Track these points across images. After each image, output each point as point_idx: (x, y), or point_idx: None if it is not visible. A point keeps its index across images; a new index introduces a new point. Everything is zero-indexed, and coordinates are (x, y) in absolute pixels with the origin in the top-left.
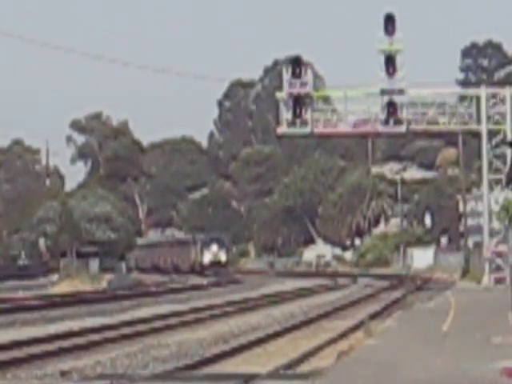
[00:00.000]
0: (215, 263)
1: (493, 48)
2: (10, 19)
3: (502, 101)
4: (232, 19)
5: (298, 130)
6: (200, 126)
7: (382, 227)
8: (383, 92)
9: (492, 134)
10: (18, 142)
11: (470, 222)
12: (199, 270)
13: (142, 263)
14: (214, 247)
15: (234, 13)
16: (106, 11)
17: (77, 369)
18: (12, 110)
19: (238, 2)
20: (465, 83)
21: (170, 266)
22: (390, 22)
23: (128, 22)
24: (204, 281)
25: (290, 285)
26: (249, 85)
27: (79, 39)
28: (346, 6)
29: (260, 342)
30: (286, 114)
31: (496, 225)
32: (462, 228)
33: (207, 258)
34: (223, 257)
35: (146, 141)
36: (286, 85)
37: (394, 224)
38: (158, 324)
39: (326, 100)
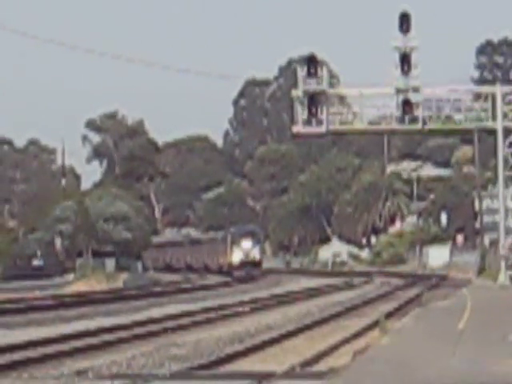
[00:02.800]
0: (247, 263)
1: (508, 46)
2: (27, 19)
3: None
4: (246, 18)
5: (313, 128)
6: (215, 125)
7: (397, 225)
8: (398, 90)
9: (507, 131)
10: (33, 142)
11: (486, 219)
12: (228, 270)
13: (175, 263)
14: (247, 243)
15: (248, 12)
16: (124, 10)
17: (93, 368)
18: (28, 110)
19: (252, 1)
20: (480, 81)
21: (201, 266)
22: (404, 20)
23: (145, 22)
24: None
25: (305, 283)
26: (264, 83)
27: (96, 39)
28: (361, 4)
29: (276, 340)
30: (302, 113)
31: None
32: (477, 226)
33: (237, 256)
34: (257, 255)
35: (161, 140)
36: (300, 83)
37: (410, 222)
38: (172, 323)
39: (342, 98)
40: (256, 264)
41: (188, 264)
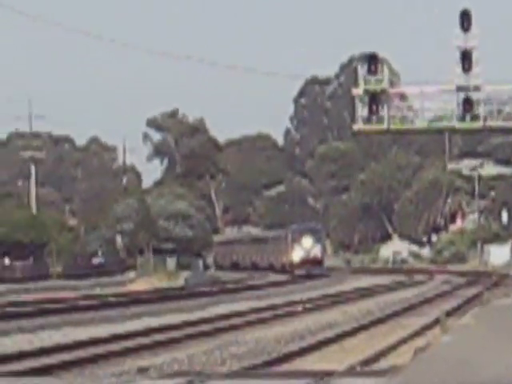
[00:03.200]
0: (308, 261)
1: None
2: (90, 19)
3: None
4: (307, 16)
5: (374, 126)
6: (276, 123)
7: (458, 223)
8: (459, 88)
9: None
10: (94, 140)
11: None
12: (289, 269)
13: (241, 261)
14: (307, 241)
15: (309, 10)
16: (181, 10)
17: (154, 366)
18: (89, 109)
19: (313, 1)
20: None
21: (266, 265)
22: (465, 17)
23: (208, 22)
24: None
25: (366, 281)
26: (324, 82)
27: (154, 38)
28: (421, 1)
29: (337, 338)
30: (362, 111)
31: None
32: None
33: (298, 254)
34: (318, 253)
35: (222, 138)
36: (361, 81)
37: (471, 220)
38: (235, 321)
39: (402, 96)
40: (318, 262)
41: (253, 262)
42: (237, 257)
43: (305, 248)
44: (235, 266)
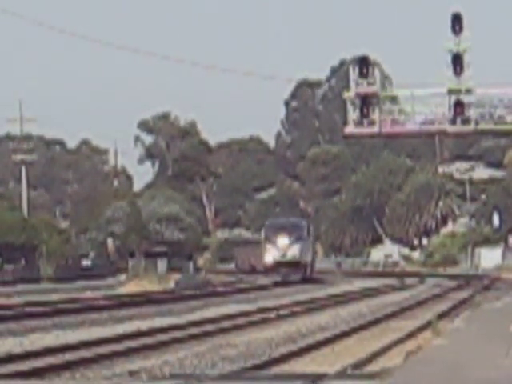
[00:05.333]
0: (283, 263)
1: None
2: (73, 19)
3: None
4: (298, 20)
5: (365, 129)
6: (267, 126)
7: (449, 227)
8: (450, 91)
9: None
10: (86, 143)
11: None
12: (263, 271)
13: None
14: (283, 239)
15: (299, 13)
16: (172, 11)
17: (145, 369)
18: (80, 111)
19: (303, 3)
20: None
21: (248, 267)
22: (457, 21)
23: (194, 22)
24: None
25: (357, 284)
26: (316, 85)
27: (145, 39)
28: (413, 5)
29: (328, 341)
30: (353, 114)
31: None
32: None
33: (270, 256)
34: (297, 253)
35: (213, 141)
36: (353, 84)
37: (462, 223)
38: (225, 324)
39: (394, 99)
40: (297, 265)
41: (252, 264)
42: (254, 260)
43: (280, 247)
44: (253, 270)
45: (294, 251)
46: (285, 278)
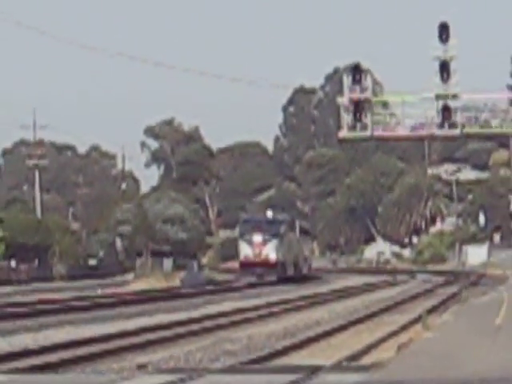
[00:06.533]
0: (257, 263)
1: None
2: (88, 31)
3: None
4: (293, 30)
5: (358, 133)
6: (266, 132)
7: (438, 225)
8: (438, 97)
9: None
10: (95, 148)
11: None
12: (240, 272)
13: None
14: (257, 237)
15: (295, 24)
16: (176, 21)
17: (152, 362)
18: (90, 118)
19: (300, 14)
20: None
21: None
22: (444, 30)
23: (198, 33)
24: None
25: (352, 281)
26: (311, 91)
27: (151, 48)
28: (402, 15)
29: (325, 335)
30: (347, 119)
31: None
32: None
33: (243, 255)
34: (272, 253)
35: (215, 146)
36: (346, 91)
37: (450, 222)
38: (228, 319)
39: (385, 105)
40: (271, 265)
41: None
42: None
43: (254, 245)
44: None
45: (268, 249)
46: (259, 278)
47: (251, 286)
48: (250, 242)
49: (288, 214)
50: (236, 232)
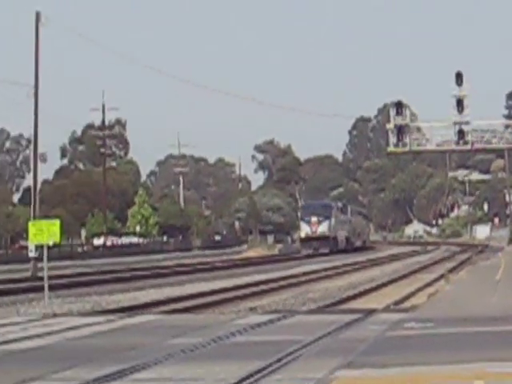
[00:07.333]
0: (314, 238)
1: None
2: (178, 63)
3: None
4: (354, 73)
5: (400, 148)
6: (337, 147)
7: (455, 212)
8: (455, 123)
9: None
10: (220, 159)
11: None
12: (299, 246)
13: None
14: (314, 218)
15: (355, 70)
16: (262, 57)
17: (261, 306)
18: (216, 137)
19: (359, 62)
20: (509, 116)
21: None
22: (459, 77)
23: (288, 71)
24: None
25: (396, 250)
26: (367, 119)
27: (255, 88)
28: (431, 64)
29: (377, 288)
30: (392, 139)
31: None
32: (508, 212)
33: (303, 232)
34: (326, 230)
35: (302, 157)
36: (392, 119)
37: (464, 210)
38: (311, 276)
39: (418, 129)
40: (325, 239)
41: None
42: None
43: (311, 225)
44: None
45: (322, 228)
46: (315, 251)
47: (312, 256)
48: (308, 222)
49: (352, 205)
50: (299, 215)
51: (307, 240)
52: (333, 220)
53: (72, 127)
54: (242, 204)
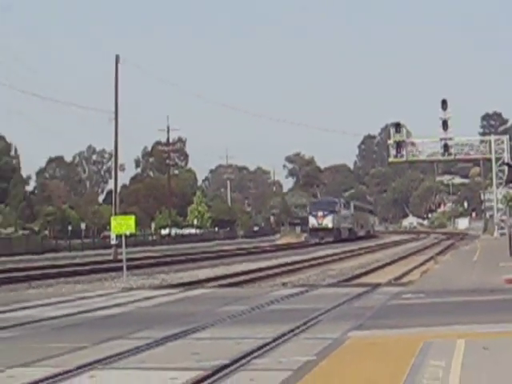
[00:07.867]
0: (319, 229)
1: (497, 115)
2: (236, 96)
3: (502, 142)
4: (360, 97)
5: (398, 159)
6: (350, 158)
7: (442, 208)
8: (441, 139)
9: (497, 159)
10: (259, 168)
11: (487, 204)
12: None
13: None
14: (319, 213)
15: (360, 94)
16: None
17: (290, 281)
18: (255, 150)
19: (364, 88)
20: (484, 133)
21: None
22: (444, 103)
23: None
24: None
25: (396, 238)
26: (373, 137)
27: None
28: (423, 93)
29: (381, 267)
30: (392, 151)
31: (500, 206)
32: (483, 207)
33: (311, 224)
34: (329, 223)
35: (322, 165)
36: (392, 136)
37: (449, 206)
38: (329, 258)
39: (413, 144)
40: (330, 230)
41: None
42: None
43: (317, 218)
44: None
45: (327, 221)
46: (321, 239)
47: (325, 243)
48: (315, 216)
49: (360, 202)
50: (308, 210)
51: (315, 230)
52: (336, 214)
53: (144, 144)
54: (275, 202)
